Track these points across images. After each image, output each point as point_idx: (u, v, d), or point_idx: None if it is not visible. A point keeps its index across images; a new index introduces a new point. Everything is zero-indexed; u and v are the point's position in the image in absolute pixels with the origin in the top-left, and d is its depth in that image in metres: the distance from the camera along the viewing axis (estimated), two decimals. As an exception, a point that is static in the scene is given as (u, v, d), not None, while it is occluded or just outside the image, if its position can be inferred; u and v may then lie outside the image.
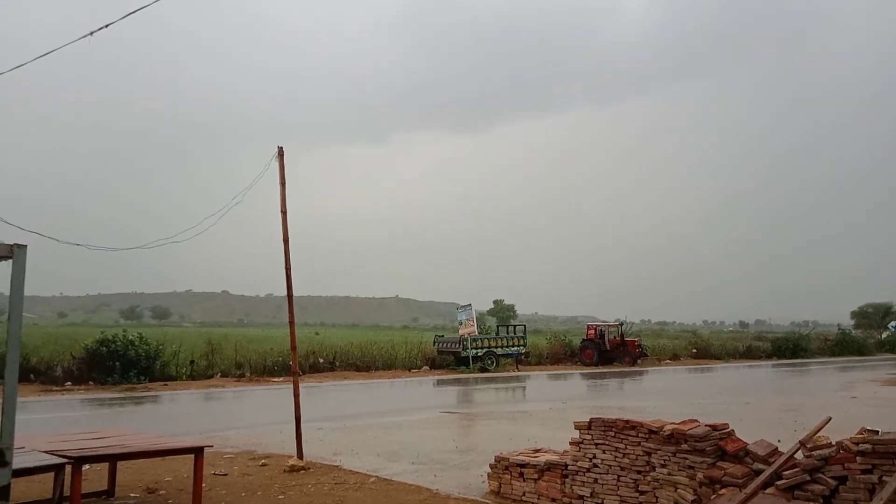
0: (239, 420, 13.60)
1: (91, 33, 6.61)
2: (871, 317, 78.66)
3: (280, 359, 24.52)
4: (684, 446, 5.58)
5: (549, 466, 6.60)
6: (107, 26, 6.52)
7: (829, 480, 4.69)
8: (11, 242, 3.61)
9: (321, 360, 26.72)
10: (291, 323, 9.39)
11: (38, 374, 20.60)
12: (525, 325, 34.17)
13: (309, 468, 8.35)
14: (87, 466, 6.83)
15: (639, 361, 33.84)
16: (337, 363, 27.01)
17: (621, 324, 36.87)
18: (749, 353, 42.14)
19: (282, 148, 9.11)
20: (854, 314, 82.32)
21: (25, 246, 3.59)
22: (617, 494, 6.01)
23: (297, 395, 9.09)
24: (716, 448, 5.54)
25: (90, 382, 20.29)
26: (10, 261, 3.55)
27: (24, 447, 5.68)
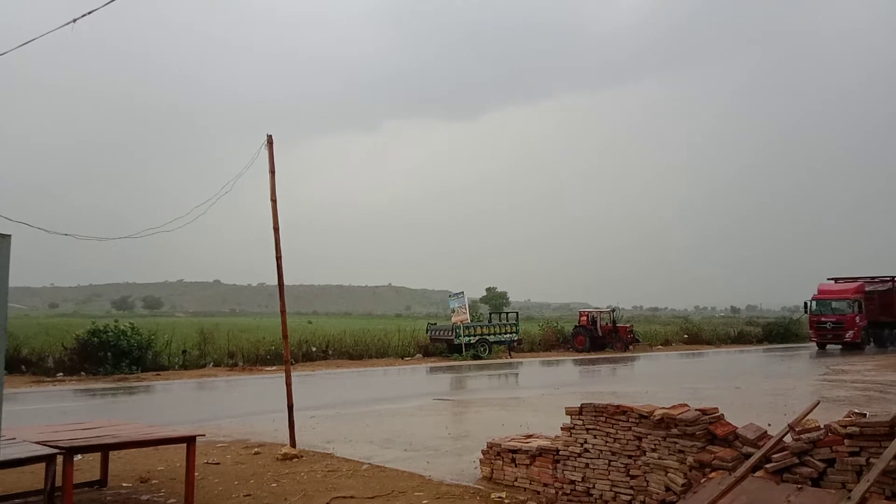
0: (231, 409, 13.61)
1: (74, 20, 6.53)
2: (861, 301, 79.16)
3: (273, 348, 24.51)
4: (674, 431, 5.61)
5: (541, 452, 6.64)
6: (90, 13, 6.44)
7: (818, 463, 4.73)
8: (-4, 232, 3.58)
9: (314, 349, 26.74)
10: (283, 312, 9.37)
11: (30, 365, 20.54)
12: (517, 313, 34.23)
13: (302, 456, 8.37)
14: (79, 457, 6.82)
15: (630, 347, 34.01)
16: (330, 351, 27.03)
17: (613, 310, 37.02)
18: (740, 339, 42.41)
19: (271, 136, 9.06)
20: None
21: (9, 236, 3.56)
22: (608, 479, 6.04)
23: (289, 384, 9.09)
24: (706, 432, 5.57)
25: (82, 373, 20.24)
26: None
27: (14, 438, 5.67)
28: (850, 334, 34.01)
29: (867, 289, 36.90)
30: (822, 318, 34.91)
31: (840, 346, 34.65)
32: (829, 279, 38.20)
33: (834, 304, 34.84)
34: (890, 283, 37.09)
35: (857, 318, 34.33)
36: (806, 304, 36.28)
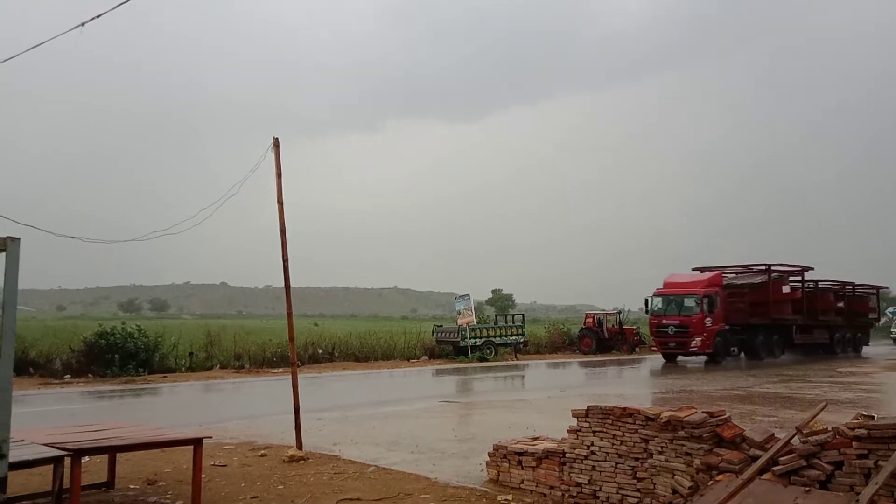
0: (238, 411, 13.63)
1: (82, 24, 6.58)
2: (869, 303, 78.77)
3: (279, 350, 24.54)
4: (681, 433, 5.60)
5: (547, 454, 6.63)
6: (98, 16, 6.49)
7: (826, 465, 4.71)
8: (5, 236, 3.60)
9: (320, 351, 26.78)
10: (289, 314, 9.39)
11: (37, 368, 20.62)
12: (523, 315, 34.23)
13: (308, 458, 8.37)
14: (86, 458, 6.85)
15: (637, 349, 33.96)
16: (336, 354, 27.07)
17: (619, 312, 36.97)
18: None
19: (277, 139, 9.08)
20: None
21: (19, 238, 3.59)
22: (615, 481, 6.03)
23: (295, 386, 9.11)
24: (713, 434, 5.56)
25: (89, 375, 20.31)
26: (4, 254, 3.56)
27: (23, 440, 5.70)
28: (696, 342, 26.28)
29: (737, 282, 29.61)
30: (664, 321, 27.26)
31: (705, 358, 27.44)
32: (694, 269, 30.33)
33: (686, 302, 27.02)
34: (765, 276, 29.06)
35: (708, 321, 26.58)
36: (647, 301, 28.49)
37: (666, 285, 28.57)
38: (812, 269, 31.04)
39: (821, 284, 32.31)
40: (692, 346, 26.44)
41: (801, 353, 31.13)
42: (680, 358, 27.92)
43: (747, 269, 30.31)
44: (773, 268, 29.13)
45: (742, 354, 29.07)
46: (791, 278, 30.42)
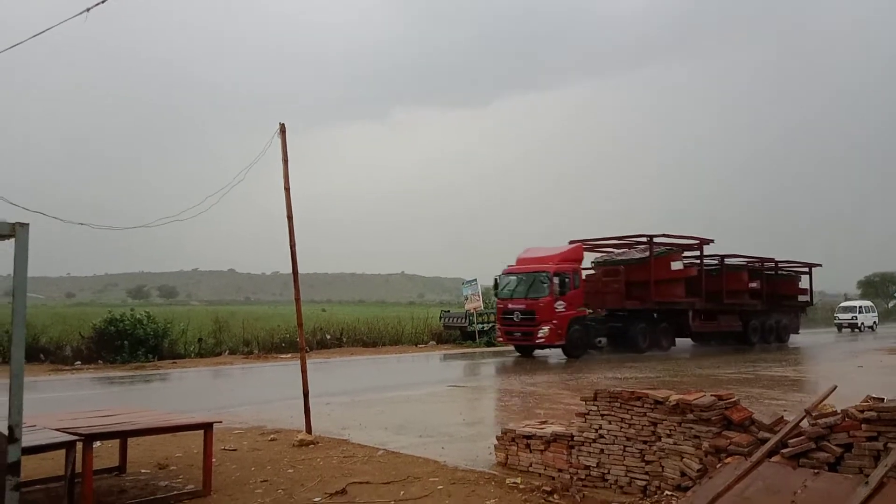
0: (248, 396, 13.72)
1: (87, 10, 6.56)
2: (878, 286, 78.54)
3: (287, 335, 24.68)
4: (690, 416, 5.60)
5: (556, 438, 6.64)
6: (103, 1, 6.47)
7: (835, 448, 4.70)
8: (14, 222, 3.61)
9: (328, 337, 26.90)
10: (297, 300, 9.42)
11: (48, 354, 20.81)
12: (531, 299, 34.18)
13: (318, 442, 8.42)
14: (98, 443, 6.91)
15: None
16: (344, 339, 27.19)
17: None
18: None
19: (283, 124, 9.06)
20: (860, 284, 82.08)
21: (27, 224, 3.59)
22: (623, 464, 6.05)
23: (304, 371, 9.15)
24: (721, 417, 5.56)
25: (99, 361, 20.48)
26: (13, 240, 3.56)
27: (34, 425, 5.75)
28: (543, 332, 20.95)
29: (614, 258, 24.63)
30: (510, 306, 22.00)
31: (565, 351, 21.89)
32: (572, 242, 23.89)
33: (535, 282, 21.64)
34: (646, 251, 23.73)
35: (559, 305, 21.13)
36: (495, 280, 23.31)
37: (518, 261, 23.10)
38: (712, 241, 25.22)
39: (729, 261, 26.91)
40: (538, 336, 21.17)
41: (716, 343, 26.75)
42: (538, 351, 22.82)
43: (623, 241, 25.05)
44: (655, 239, 23.74)
45: (617, 346, 23.33)
46: (686, 253, 25.15)
